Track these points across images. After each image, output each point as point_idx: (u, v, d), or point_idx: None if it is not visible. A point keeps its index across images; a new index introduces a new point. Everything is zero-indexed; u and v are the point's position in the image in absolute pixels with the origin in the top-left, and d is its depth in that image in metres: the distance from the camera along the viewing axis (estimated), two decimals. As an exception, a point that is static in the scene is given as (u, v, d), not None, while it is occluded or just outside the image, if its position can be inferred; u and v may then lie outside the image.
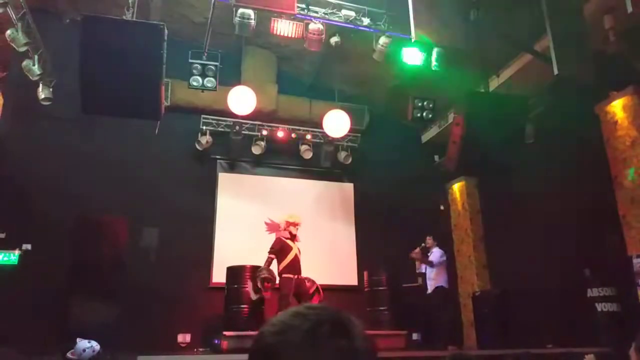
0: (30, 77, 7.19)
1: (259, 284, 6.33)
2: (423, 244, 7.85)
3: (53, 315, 6.64)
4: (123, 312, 6.63)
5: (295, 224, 6.74)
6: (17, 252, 7.22)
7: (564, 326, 7.04)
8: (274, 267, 6.67)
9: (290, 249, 6.59)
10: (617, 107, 6.98)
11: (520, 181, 8.06)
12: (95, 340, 4.01)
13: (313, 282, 6.86)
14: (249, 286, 6.72)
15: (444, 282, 7.60)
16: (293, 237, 6.71)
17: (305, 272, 8.85)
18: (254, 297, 6.57)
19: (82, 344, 3.94)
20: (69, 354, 3.94)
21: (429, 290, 7.59)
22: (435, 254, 7.70)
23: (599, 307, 6.65)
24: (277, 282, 6.55)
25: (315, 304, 0.80)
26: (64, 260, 7.07)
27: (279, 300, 6.35)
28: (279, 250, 6.61)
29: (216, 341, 6.79)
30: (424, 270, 7.94)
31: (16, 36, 6.57)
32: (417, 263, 7.89)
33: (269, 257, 6.56)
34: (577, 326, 6.87)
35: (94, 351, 3.92)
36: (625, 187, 6.73)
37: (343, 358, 0.71)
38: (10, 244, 7.25)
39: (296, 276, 6.49)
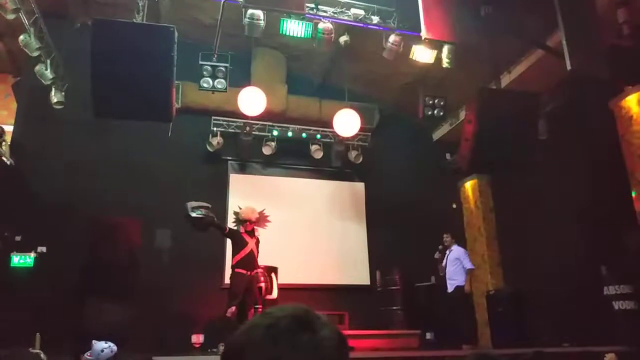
0: (43, 82, 7.28)
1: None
2: (441, 246, 7.59)
3: (68, 316, 6.70)
4: (137, 313, 6.68)
5: (255, 220, 6.42)
6: (32, 255, 7.31)
7: (580, 325, 6.95)
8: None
9: (246, 243, 6.29)
10: (632, 102, 6.87)
11: (533, 178, 7.97)
12: (110, 341, 4.04)
13: (266, 277, 6.70)
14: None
15: (463, 281, 7.40)
16: (251, 234, 6.41)
17: (316, 273, 8.91)
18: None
19: (100, 344, 3.97)
20: (86, 355, 3.97)
21: (450, 290, 7.35)
22: (461, 253, 7.45)
23: (616, 305, 6.55)
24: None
25: (288, 304, 0.79)
26: (79, 262, 7.15)
27: (229, 298, 6.12)
28: (236, 239, 6.33)
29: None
30: (441, 273, 7.75)
31: (29, 41, 6.66)
32: (440, 267, 7.61)
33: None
34: (594, 324, 6.77)
35: (112, 351, 3.95)
36: (642, 183, 6.62)
37: (304, 352, 0.70)
38: (26, 247, 7.35)
39: (249, 272, 6.23)
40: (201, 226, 6.18)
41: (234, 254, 6.33)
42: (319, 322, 0.75)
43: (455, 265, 7.33)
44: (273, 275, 7.28)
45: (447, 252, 7.52)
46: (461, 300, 7.27)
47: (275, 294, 7.13)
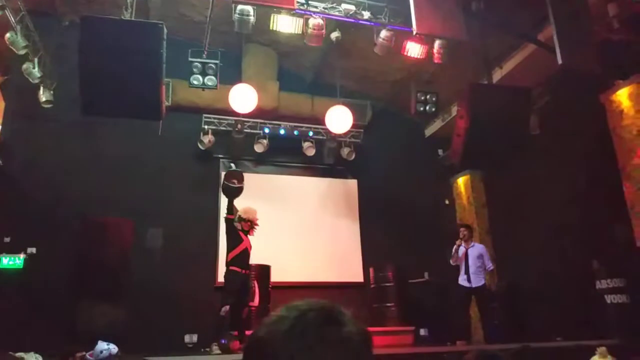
0: (31, 80, 7.17)
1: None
2: (459, 241, 7.25)
3: (59, 318, 6.64)
4: (129, 313, 6.62)
5: (252, 221, 6.34)
6: (22, 256, 7.22)
7: (573, 319, 6.98)
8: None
9: (242, 239, 6.23)
10: (623, 96, 6.90)
11: (526, 173, 7.99)
12: (107, 342, 4.05)
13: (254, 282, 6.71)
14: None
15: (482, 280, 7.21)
16: (247, 232, 6.33)
17: (309, 270, 8.88)
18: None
19: (101, 345, 3.98)
20: (87, 355, 3.99)
21: (473, 285, 7.10)
22: (484, 251, 7.28)
23: (608, 299, 6.59)
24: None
25: (312, 299, 0.77)
26: (69, 263, 7.08)
27: (224, 296, 6.07)
28: (232, 230, 6.26)
29: (223, 341, 6.77)
30: (452, 263, 7.59)
31: (15, 39, 6.56)
32: (454, 257, 7.42)
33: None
34: (586, 318, 6.81)
35: (110, 354, 3.96)
36: (633, 178, 6.65)
37: (331, 344, 0.69)
38: (15, 248, 7.25)
39: (244, 271, 6.17)
40: (232, 195, 6.22)
41: (229, 250, 6.22)
42: (345, 316, 0.75)
43: (480, 261, 7.15)
44: (255, 282, 7.24)
45: (466, 246, 7.23)
46: (487, 297, 7.17)
47: (256, 301, 7.09)
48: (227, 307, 5.94)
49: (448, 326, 7.64)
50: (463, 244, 7.20)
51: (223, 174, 9.15)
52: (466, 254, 7.16)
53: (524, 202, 8.37)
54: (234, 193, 6.20)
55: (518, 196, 8.54)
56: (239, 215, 6.33)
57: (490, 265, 7.21)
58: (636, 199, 6.60)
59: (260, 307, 7.04)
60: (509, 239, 8.84)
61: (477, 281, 7.10)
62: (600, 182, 7.09)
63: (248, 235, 6.35)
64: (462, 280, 7.17)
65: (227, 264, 6.18)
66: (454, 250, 7.18)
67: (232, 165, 6.50)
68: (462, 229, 7.38)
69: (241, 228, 6.31)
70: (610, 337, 5.82)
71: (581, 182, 7.20)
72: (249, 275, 6.40)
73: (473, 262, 7.15)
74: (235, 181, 6.23)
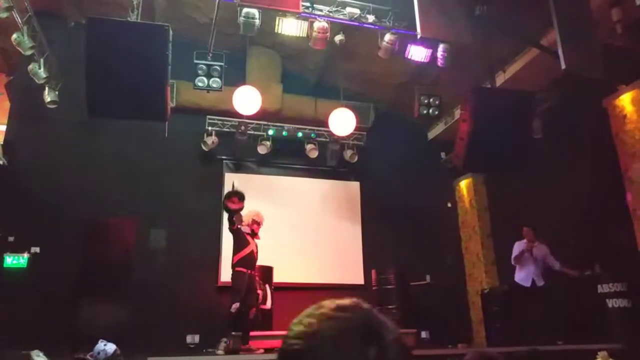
0: (37, 81, 7.23)
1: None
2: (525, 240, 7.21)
3: (62, 317, 6.67)
4: (132, 313, 6.66)
5: (259, 223, 6.52)
6: (26, 255, 7.27)
7: (575, 322, 6.98)
8: (228, 259, 6.54)
9: (248, 243, 6.32)
10: (626, 101, 6.91)
11: (528, 177, 7.99)
12: (108, 341, 4.08)
13: (261, 285, 6.78)
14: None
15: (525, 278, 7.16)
16: (254, 234, 6.46)
17: (311, 272, 8.91)
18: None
19: (100, 345, 4.00)
20: (88, 356, 4.02)
21: (539, 284, 7.06)
22: (547, 251, 7.21)
23: (610, 303, 6.59)
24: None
25: (347, 302, 0.75)
26: (73, 263, 7.12)
27: (232, 296, 6.14)
28: (237, 235, 6.34)
29: (226, 341, 6.79)
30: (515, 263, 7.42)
31: (22, 40, 6.61)
32: (517, 257, 7.22)
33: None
34: (588, 322, 6.80)
35: (106, 353, 3.98)
36: (635, 182, 6.66)
37: None
38: (19, 247, 7.30)
39: (249, 272, 6.24)
40: (231, 215, 6.23)
41: (235, 252, 6.31)
42: (388, 334, 0.71)
43: (544, 260, 7.11)
44: (267, 286, 7.28)
45: (530, 246, 7.16)
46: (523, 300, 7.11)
47: (269, 304, 7.11)
48: (237, 304, 6.01)
49: (449, 329, 7.65)
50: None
51: (226, 175, 9.22)
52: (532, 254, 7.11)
53: (526, 206, 8.38)
54: (232, 213, 6.21)
55: (520, 200, 8.54)
56: (252, 219, 6.41)
57: (557, 266, 7.07)
58: (638, 203, 6.60)
59: (267, 314, 7.09)
60: (510, 241, 8.83)
61: (540, 281, 7.09)
62: (602, 186, 7.10)
63: (254, 239, 6.43)
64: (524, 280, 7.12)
65: (233, 266, 6.27)
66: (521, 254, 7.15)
67: (234, 182, 6.51)
68: (526, 229, 7.26)
69: (250, 231, 6.38)
70: (611, 342, 5.82)
71: (583, 186, 7.21)
72: (254, 277, 6.44)
73: (540, 262, 7.11)
74: (236, 199, 6.25)
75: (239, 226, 6.32)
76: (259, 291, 6.73)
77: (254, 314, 6.38)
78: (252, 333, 6.35)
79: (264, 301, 6.75)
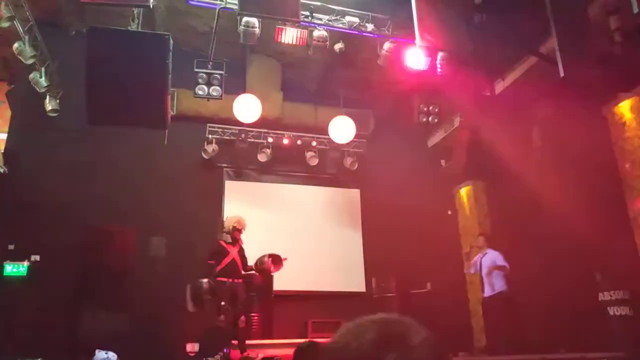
0: (38, 89, 7.26)
1: (202, 295, 6.06)
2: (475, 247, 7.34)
3: (62, 326, 6.65)
4: (131, 321, 6.63)
5: (240, 230, 6.52)
6: (26, 264, 7.25)
7: (576, 330, 6.95)
8: None
9: (227, 253, 6.36)
10: (625, 108, 6.92)
11: (528, 184, 8.00)
12: (108, 350, 4.07)
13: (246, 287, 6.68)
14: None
15: (503, 286, 7.17)
16: (235, 241, 6.48)
17: (311, 279, 8.88)
18: (191, 308, 6.20)
19: (100, 354, 3.98)
20: None
21: (488, 294, 7.13)
22: (497, 256, 7.26)
23: (611, 310, 6.56)
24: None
25: (375, 316, 0.75)
26: (73, 271, 7.10)
27: (217, 306, 6.15)
28: (216, 253, 6.38)
29: (225, 350, 6.76)
30: (472, 272, 7.60)
31: (23, 49, 6.65)
32: (465, 263, 7.42)
33: (208, 264, 6.33)
34: (589, 330, 6.78)
35: None
36: (635, 189, 6.66)
37: None
38: (19, 256, 7.29)
39: (231, 280, 6.24)
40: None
41: (217, 265, 6.33)
42: (408, 337, 0.71)
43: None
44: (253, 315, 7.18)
45: (481, 254, 7.33)
46: (503, 307, 7.07)
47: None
48: (222, 316, 6.01)
49: (450, 337, 7.61)
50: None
51: (227, 183, 9.22)
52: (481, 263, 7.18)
53: (526, 213, 8.37)
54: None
55: (520, 207, 8.53)
56: (233, 226, 6.41)
57: (501, 262, 7.09)
58: (639, 210, 6.60)
59: (263, 315, 7.05)
60: (511, 249, 8.82)
61: (489, 290, 7.11)
62: (602, 193, 7.10)
63: (238, 243, 6.47)
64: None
65: (214, 276, 6.25)
66: (466, 270, 7.23)
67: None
68: (479, 238, 7.45)
69: (231, 239, 6.38)
70: (613, 349, 5.80)
71: (583, 193, 7.20)
72: (237, 284, 6.36)
73: (486, 270, 7.16)
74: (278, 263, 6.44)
75: (219, 240, 6.41)
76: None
77: (244, 321, 6.32)
78: (252, 341, 6.32)
79: (248, 334, 6.68)
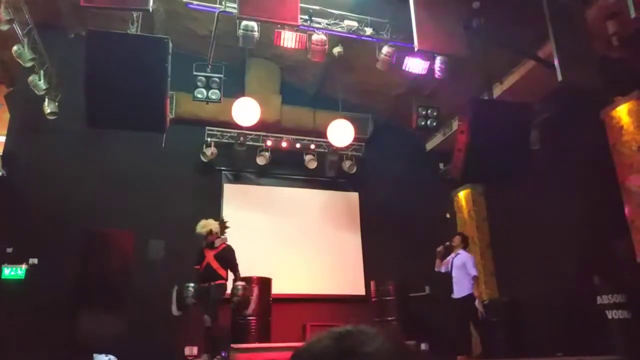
0: (36, 92, 7.27)
1: (185, 298, 6.11)
2: (448, 243, 7.34)
3: (60, 329, 6.63)
4: (130, 325, 6.61)
5: (216, 233, 6.52)
6: (24, 267, 7.24)
7: (574, 334, 6.96)
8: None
9: (204, 257, 6.41)
10: (623, 112, 6.95)
11: (526, 188, 8.00)
12: (109, 353, 4.06)
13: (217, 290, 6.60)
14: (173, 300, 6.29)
15: (471, 288, 7.03)
16: (211, 245, 6.46)
17: (310, 283, 8.88)
18: (176, 312, 6.24)
19: (100, 358, 3.98)
20: None
21: (457, 295, 7.07)
22: (468, 258, 7.17)
23: (610, 314, 6.56)
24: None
25: (336, 329, 0.74)
26: (71, 274, 7.09)
27: (204, 309, 6.24)
28: (197, 257, 6.50)
29: (224, 353, 6.75)
30: (442, 270, 7.60)
31: (22, 52, 6.66)
32: (437, 262, 7.41)
33: (194, 269, 6.43)
34: (588, 334, 6.78)
35: None
36: (633, 193, 6.68)
37: None
38: (17, 259, 7.28)
39: (207, 284, 6.25)
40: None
41: (199, 270, 6.42)
42: (361, 346, 0.69)
43: (463, 270, 7.08)
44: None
45: (453, 255, 7.30)
46: (472, 309, 6.96)
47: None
48: (207, 317, 6.08)
49: (449, 341, 7.61)
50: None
51: (225, 186, 9.23)
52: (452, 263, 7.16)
53: (525, 217, 8.38)
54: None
55: (519, 210, 8.55)
56: (210, 229, 6.43)
57: (473, 272, 6.96)
58: (636, 214, 6.61)
59: (261, 319, 7.03)
60: (509, 252, 8.84)
61: (458, 292, 7.03)
62: (600, 197, 7.11)
63: (216, 247, 6.46)
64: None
65: (199, 281, 6.29)
66: (438, 256, 7.22)
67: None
68: (455, 237, 7.36)
69: (207, 244, 6.40)
70: (611, 353, 5.81)
71: (581, 197, 7.22)
72: (210, 287, 6.29)
73: (455, 271, 7.09)
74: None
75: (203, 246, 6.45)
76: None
77: (209, 321, 6.27)
78: (250, 345, 6.32)
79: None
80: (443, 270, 7.36)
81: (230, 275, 6.44)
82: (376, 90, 9.37)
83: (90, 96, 5.24)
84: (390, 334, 0.73)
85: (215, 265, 6.34)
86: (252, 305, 6.83)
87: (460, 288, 7.02)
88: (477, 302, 6.84)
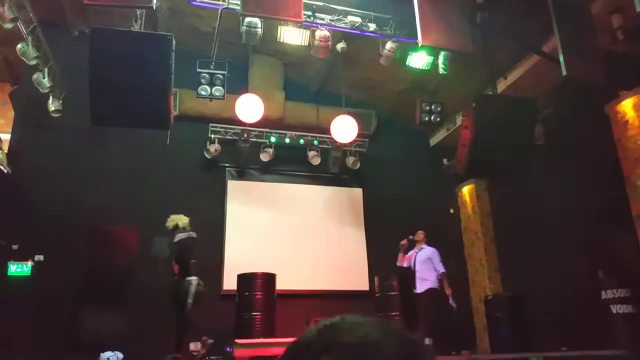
0: (41, 90, 7.28)
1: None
2: (411, 237, 7.41)
3: (65, 325, 6.68)
4: (135, 321, 6.65)
5: (180, 229, 6.71)
6: (29, 263, 7.28)
7: (579, 329, 6.95)
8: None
9: None
10: (628, 107, 6.91)
11: (530, 183, 8.00)
12: (115, 350, 4.10)
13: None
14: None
15: (435, 282, 7.16)
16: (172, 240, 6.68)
17: (314, 278, 8.90)
18: (190, 306, 6.36)
19: (106, 354, 4.02)
20: None
21: (420, 290, 7.17)
22: (433, 253, 7.27)
23: (614, 309, 6.55)
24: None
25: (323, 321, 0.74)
26: (76, 271, 7.13)
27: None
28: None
29: (228, 349, 6.79)
30: (405, 265, 7.64)
31: (26, 50, 6.67)
32: (399, 256, 7.44)
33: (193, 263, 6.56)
34: (592, 328, 6.78)
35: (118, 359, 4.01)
36: (638, 187, 6.65)
37: None
38: (23, 255, 7.32)
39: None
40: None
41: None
42: (341, 337, 0.67)
43: (427, 264, 7.18)
44: None
45: (416, 249, 7.39)
46: (436, 303, 7.05)
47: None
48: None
49: (453, 336, 7.62)
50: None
51: (229, 182, 9.24)
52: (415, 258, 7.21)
53: (529, 212, 8.37)
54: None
55: (523, 205, 8.53)
56: (177, 223, 6.63)
57: (440, 269, 7.08)
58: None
59: (265, 314, 7.06)
60: (513, 247, 8.83)
61: (422, 286, 7.12)
62: (605, 191, 7.09)
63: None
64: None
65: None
66: (400, 251, 7.27)
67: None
68: (419, 232, 7.47)
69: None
70: (616, 347, 5.81)
71: (586, 192, 7.20)
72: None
73: (419, 265, 7.19)
74: None
75: None
76: None
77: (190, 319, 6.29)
78: (255, 340, 6.35)
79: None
80: (405, 265, 7.41)
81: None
82: (380, 86, 9.35)
83: (94, 94, 5.26)
84: (389, 324, 0.71)
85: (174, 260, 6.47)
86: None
87: (424, 283, 7.07)
88: (450, 300, 6.89)
